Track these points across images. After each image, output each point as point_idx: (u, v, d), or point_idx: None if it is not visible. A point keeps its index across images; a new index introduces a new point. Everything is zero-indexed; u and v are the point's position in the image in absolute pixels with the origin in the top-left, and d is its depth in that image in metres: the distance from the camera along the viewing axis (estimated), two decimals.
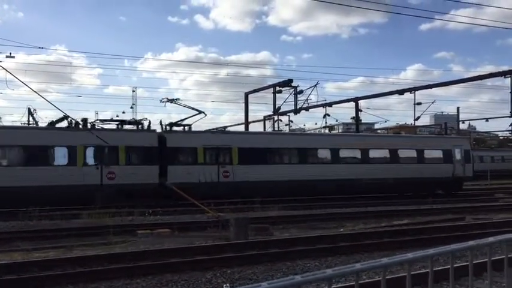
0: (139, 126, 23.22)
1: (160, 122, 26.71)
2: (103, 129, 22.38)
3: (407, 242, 11.58)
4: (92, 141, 20.30)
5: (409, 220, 16.55)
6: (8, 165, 19.53)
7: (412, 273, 2.68)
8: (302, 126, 56.86)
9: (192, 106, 25.89)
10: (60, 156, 20.28)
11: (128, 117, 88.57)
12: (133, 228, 14.22)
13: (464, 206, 21.33)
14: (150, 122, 23.78)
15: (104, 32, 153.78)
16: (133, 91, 66.82)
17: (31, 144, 19.77)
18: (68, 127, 21.69)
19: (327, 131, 45.70)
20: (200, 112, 24.52)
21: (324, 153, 25.81)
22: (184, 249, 10.68)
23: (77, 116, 63.33)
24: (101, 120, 23.76)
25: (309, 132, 47.26)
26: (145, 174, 21.29)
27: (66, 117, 21.40)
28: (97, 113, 75.79)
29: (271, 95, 37.56)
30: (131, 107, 64.87)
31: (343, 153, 25.96)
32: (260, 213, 18.47)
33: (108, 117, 66.95)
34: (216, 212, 16.27)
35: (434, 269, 6.59)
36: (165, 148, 22.14)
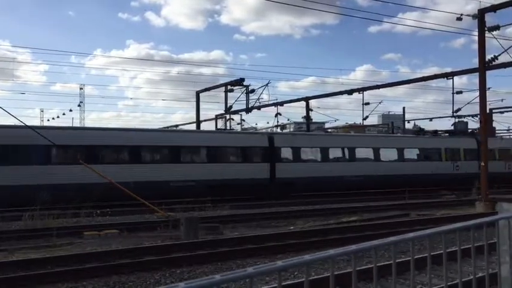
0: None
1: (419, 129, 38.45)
2: (450, 136, 34.63)
3: (353, 238, 11.85)
4: (447, 144, 32.26)
5: (357, 217, 16.96)
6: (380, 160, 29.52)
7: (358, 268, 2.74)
8: (254, 125, 57.30)
9: None
10: (435, 155, 31.59)
11: (75, 115, 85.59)
12: (80, 229, 13.81)
13: (410, 202, 22.09)
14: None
15: (51, 27, 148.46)
16: (80, 88, 64.83)
17: (401, 147, 30.31)
18: (434, 134, 35.00)
19: (278, 129, 46.12)
20: None
21: None
22: (133, 250, 10.48)
23: (20, 115, 60.85)
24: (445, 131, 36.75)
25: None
26: (471, 166, 30.93)
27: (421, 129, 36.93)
28: (42, 111, 73.26)
29: (224, 94, 37.53)
30: (79, 105, 63.11)
31: None
32: (211, 213, 18.40)
33: (55, 115, 64.85)
34: (166, 211, 16.07)
35: (381, 263, 6.84)
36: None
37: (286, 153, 26.64)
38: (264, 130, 44.61)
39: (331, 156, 28.00)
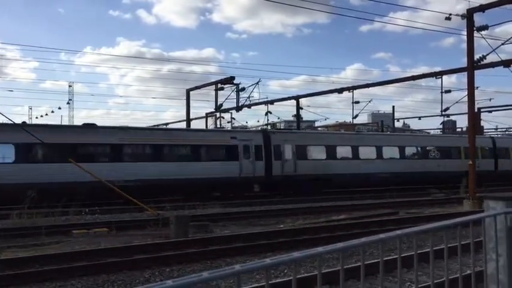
0: None
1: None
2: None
3: (343, 236, 11.88)
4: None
5: (346, 215, 17.03)
6: None
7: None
8: (244, 123, 57.24)
9: None
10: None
11: (64, 112, 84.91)
12: (69, 228, 13.73)
13: (399, 200, 22.23)
14: None
15: (41, 24, 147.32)
16: (69, 86, 64.39)
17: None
18: None
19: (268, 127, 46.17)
20: None
21: None
22: (122, 248, 10.44)
23: (8, 112, 60.27)
24: None
25: None
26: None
27: None
28: (31, 109, 72.70)
29: (214, 92, 37.43)
30: (68, 103, 62.71)
31: None
32: (201, 211, 18.38)
33: (44, 113, 64.36)
34: (156, 210, 16.02)
35: (369, 261, 6.88)
36: None
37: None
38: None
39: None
